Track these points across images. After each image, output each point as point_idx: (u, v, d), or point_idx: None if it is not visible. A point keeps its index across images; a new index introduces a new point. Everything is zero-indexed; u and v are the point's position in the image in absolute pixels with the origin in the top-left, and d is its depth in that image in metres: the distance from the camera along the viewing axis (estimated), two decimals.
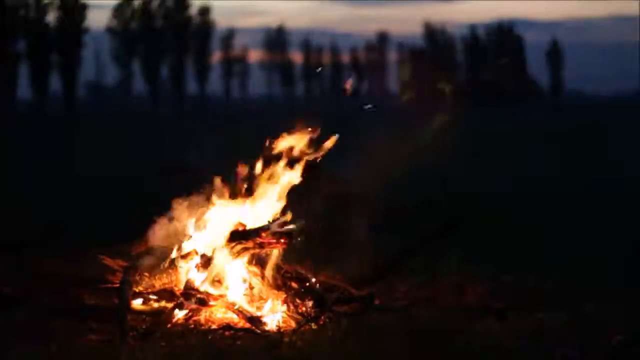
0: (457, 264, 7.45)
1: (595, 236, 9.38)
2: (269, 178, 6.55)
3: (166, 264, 6.55)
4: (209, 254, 6.39)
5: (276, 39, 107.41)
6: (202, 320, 6.08)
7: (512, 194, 13.82)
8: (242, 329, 5.92)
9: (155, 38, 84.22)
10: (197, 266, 6.39)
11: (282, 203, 6.54)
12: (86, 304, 6.52)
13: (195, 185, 6.74)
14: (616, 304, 6.43)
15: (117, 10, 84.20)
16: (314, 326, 5.97)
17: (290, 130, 6.54)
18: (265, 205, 6.57)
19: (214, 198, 6.64)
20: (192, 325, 5.99)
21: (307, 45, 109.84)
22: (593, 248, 8.67)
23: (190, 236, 6.62)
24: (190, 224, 6.65)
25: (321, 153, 6.59)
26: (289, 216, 6.38)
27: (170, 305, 6.22)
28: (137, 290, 6.33)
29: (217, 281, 6.28)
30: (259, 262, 6.37)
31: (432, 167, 16.29)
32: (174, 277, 6.41)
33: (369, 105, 6.75)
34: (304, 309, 6.13)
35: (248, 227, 6.40)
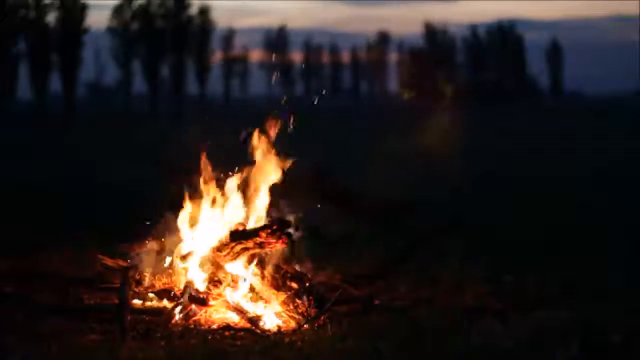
0: (457, 264, 7.45)
1: (595, 236, 9.37)
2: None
3: (166, 264, 6.57)
4: (208, 253, 6.41)
5: (276, 39, 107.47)
6: (202, 320, 6.08)
7: (512, 193, 13.82)
8: (242, 329, 5.93)
9: (155, 38, 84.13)
10: (196, 266, 6.40)
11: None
12: (86, 304, 6.53)
13: (195, 184, 6.75)
14: (616, 304, 6.43)
15: (117, 10, 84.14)
16: (314, 326, 5.97)
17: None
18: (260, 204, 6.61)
19: (213, 197, 6.65)
20: (192, 325, 6.00)
21: (307, 45, 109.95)
22: (593, 248, 8.66)
23: (190, 236, 6.63)
24: (189, 224, 6.66)
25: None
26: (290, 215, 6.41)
27: (170, 305, 6.23)
28: (137, 290, 6.33)
29: (217, 281, 6.28)
30: (259, 262, 6.38)
31: (432, 166, 16.33)
32: (174, 277, 6.42)
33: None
34: (303, 309, 6.13)
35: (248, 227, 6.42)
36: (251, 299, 6.30)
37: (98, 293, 6.71)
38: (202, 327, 5.97)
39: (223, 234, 6.41)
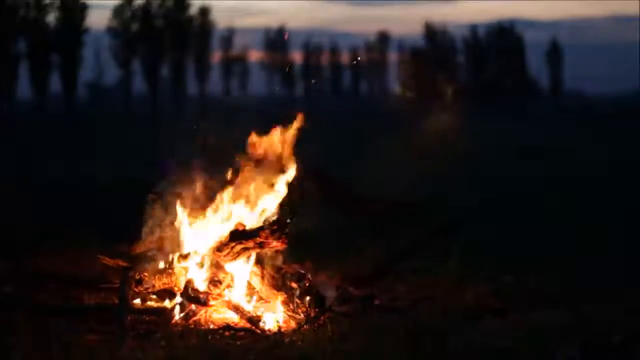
0: (457, 265, 7.45)
1: (595, 236, 9.37)
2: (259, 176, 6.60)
3: (166, 264, 6.57)
4: (208, 253, 6.41)
5: (276, 39, 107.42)
6: (202, 320, 6.08)
7: (513, 193, 13.83)
8: (242, 329, 5.93)
9: (155, 38, 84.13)
10: (197, 266, 6.40)
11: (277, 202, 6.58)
12: (86, 304, 6.53)
13: (195, 184, 6.75)
14: (616, 304, 6.43)
15: (117, 10, 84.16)
16: (314, 326, 5.97)
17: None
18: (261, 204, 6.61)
19: (214, 197, 6.66)
20: (192, 325, 6.00)
21: (307, 45, 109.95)
22: (593, 248, 8.66)
23: (190, 235, 6.63)
24: (189, 224, 6.66)
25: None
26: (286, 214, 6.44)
27: (170, 305, 6.23)
28: (137, 290, 6.33)
29: (217, 281, 6.28)
30: (259, 262, 6.38)
31: (432, 167, 16.34)
32: (174, 277, 6.42)
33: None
34: (304, 309, 6.13)
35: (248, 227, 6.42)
36: (251, 299, 6.30)
37: (98, 293, 6.71)
38: (202, 327, 5.97)
39: (223, 234, 6.41)
